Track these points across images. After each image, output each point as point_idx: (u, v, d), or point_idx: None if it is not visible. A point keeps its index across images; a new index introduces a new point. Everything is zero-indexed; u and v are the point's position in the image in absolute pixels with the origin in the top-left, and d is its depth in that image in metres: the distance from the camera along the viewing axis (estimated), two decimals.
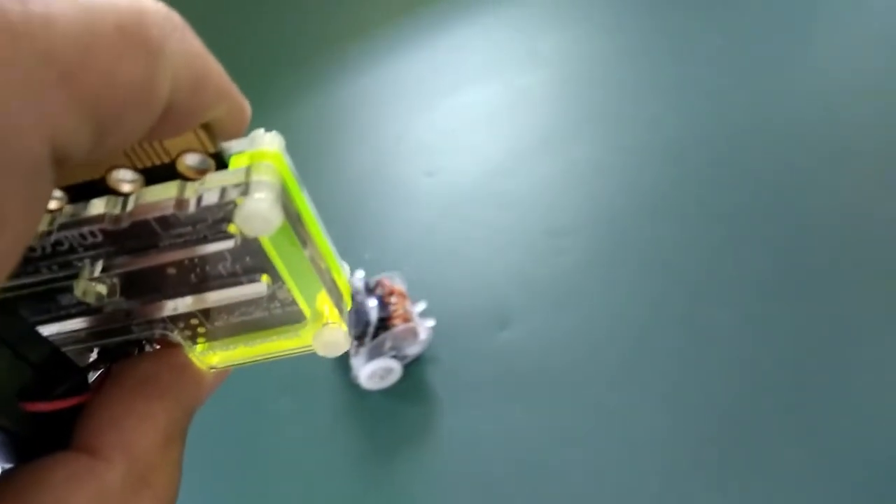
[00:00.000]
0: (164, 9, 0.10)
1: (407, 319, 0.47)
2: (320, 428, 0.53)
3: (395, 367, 0.48)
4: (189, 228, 0.12)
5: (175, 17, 0.10)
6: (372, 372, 0.49)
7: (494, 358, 0.55)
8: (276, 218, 0.12)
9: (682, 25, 0.80)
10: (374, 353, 0.48)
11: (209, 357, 0.14)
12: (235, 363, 0.15)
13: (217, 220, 0.12)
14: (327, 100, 0.82)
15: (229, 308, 0.14)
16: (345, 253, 0.15)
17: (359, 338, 0.48)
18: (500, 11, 0.83)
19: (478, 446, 0.50)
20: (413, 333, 0.48)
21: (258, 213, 0.12)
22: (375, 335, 0.47)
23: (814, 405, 0.50)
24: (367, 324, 0.48)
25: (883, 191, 0.62)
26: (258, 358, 0.15)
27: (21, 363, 0.12)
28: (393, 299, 0.49)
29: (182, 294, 0.13)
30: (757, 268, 0.58)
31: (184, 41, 0.10)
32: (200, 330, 0.14)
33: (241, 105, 0.13)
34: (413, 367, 0.53)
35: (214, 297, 0.14)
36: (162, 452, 0.12)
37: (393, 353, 0.48)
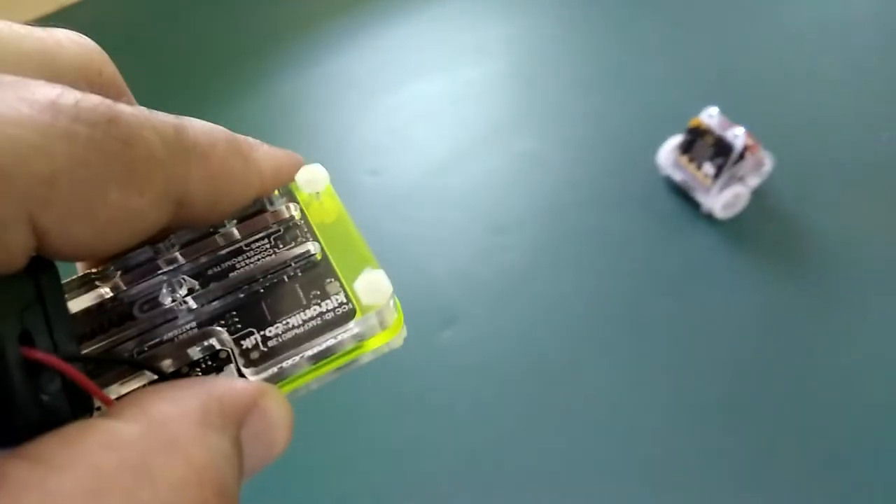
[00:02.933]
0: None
1: (756, 150, 0.62)
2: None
3: (743, 194, 0.64)
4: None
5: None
6: (727, 201, 0.62)
7: (439, 357, 0.57)
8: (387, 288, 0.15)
9: (628, 16, 0.83)
10: (729, 182, 0.62)
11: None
12: (293, 385, 0.15)
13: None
14: (271, 97, 0.78)
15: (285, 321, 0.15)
16: None
17: (719, 167, 0.62)
18: (446, 5, 0.85)
19: (423, 448, 0.53)
20: (759, 163, 0.62)
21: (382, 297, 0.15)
22: (736, 163, 0.61)
23: (755, 396, 0.54)
24: (731, 150, 0.61)
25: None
26: (317, 371, 0.15)
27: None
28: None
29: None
30: (701, 259, 0.62)
31: (263, 149, 0.16)
32: (254, 354, 0.14)
33: (296, 162, 0.17)
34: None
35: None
36: (196, 428, 0.11)
37: (741, 182, 0.64)
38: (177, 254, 0.16)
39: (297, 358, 0.15)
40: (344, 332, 0.15)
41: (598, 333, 0.58)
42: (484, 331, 0.59)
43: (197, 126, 0.14)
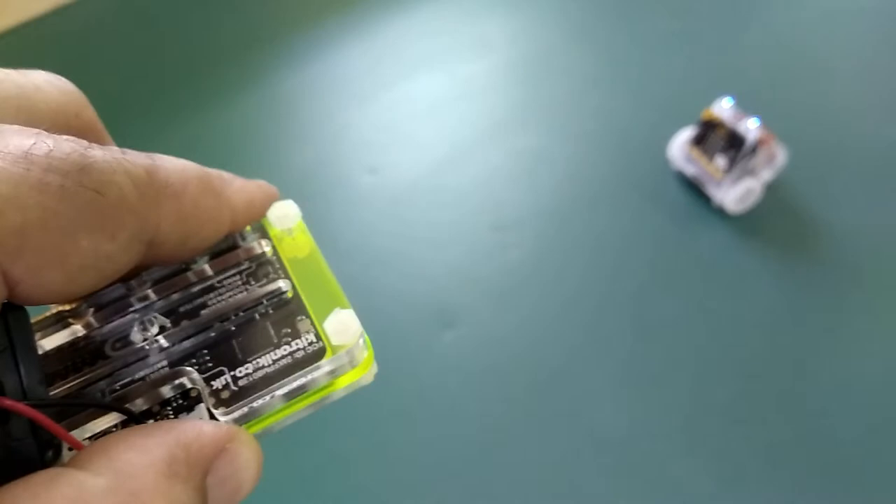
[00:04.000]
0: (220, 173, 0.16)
1: (768, 143, 0.59)
2: None
3: (755, 188, 0.62)
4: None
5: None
6: (739, 195, 0.60)
7: (440, 358, 0.57)
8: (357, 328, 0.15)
9: (632, 10, 0.80)
10: (740, 176, 0.60)
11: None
12: (264, 424, 0.15)
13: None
14: (268, 93, 0.76)
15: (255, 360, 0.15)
16: None
17: (731, 160, 0.60)
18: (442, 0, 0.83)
19: (423, 449, 0.51)
20: (772, 156, 0.60)
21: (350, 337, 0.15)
22: (748, 156, 0.59)
23: (768, 395, 0.52)
24: (743, 143, 0.59)
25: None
26: (288, 410, 0.15)
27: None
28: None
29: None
30: (711, 254, 0.60)
31: (236, 184, 0.16)
32: (224, 394, 0.14)
33: (269, 195, 0.18)
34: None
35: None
36: (161, 479, 0.11)
37: (753, 176, 0.61)
38: (149, 291, 0.16)
39: (267, 398, 0.15)
40: (314, 370, 0.15)
41: (604, 333, 0.56)
42: (486, 331, 0.57)
43: (169, 165, 0.14)
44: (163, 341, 0.15)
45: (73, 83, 0.16)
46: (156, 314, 0.16)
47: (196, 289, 0.16)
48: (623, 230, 0.62)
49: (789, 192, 0.63)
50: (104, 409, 0.14)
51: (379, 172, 0.69)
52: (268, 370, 0.15)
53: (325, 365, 0.15)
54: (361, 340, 0.16)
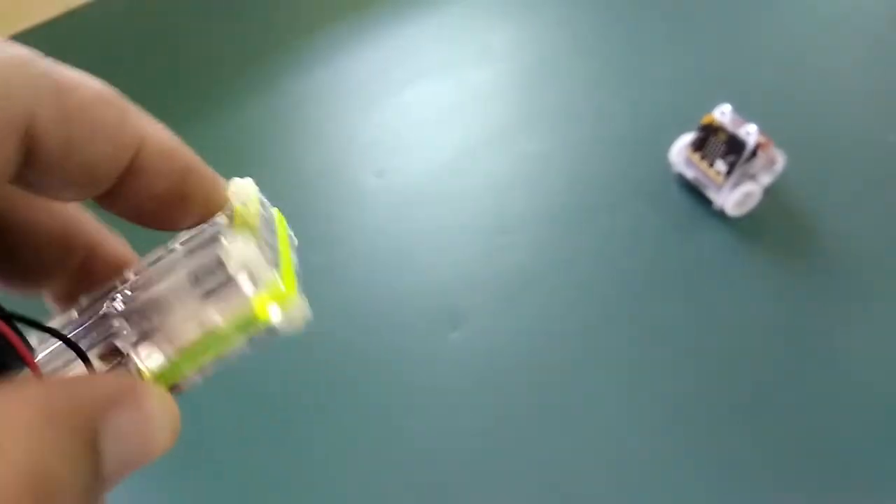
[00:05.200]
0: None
1: (768, 148, 0.60)
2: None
3: (756, 192, 0.63)
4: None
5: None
6: (738, 199, 0.61)
7: (446, 358, 0.56)
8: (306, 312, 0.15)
9: (633, 18, 0.82)
10: (740, 180, 0.61)
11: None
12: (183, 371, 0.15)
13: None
14: (277, 98, 0.78)
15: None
16: None
17: (731, 164, 0.61)
18: (452, 7, 0.85)
19: (429, 448, 0.52)
20: (771, 161, 0.61)
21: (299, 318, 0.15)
22: (748, 160, 0.60)
23: (768, 397, 0.52)
24: (743, 148, 0.60)
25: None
26: (201, 354, 0.15)
27: None
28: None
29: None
30: (712, 257, 0.61)
31: (152, 123, 0.15)
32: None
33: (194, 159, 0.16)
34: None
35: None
36: (26, 428, 0.11)
37: (753, 180, 0.62)
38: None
39: (167, 282, 0.15)
40: (212, 244, 0.15)
41: (607, 334, 0.57)
42: (491, 332, 0.58)
43: (68, 70, 0.14)
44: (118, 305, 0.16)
45: None
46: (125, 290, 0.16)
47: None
48: (625, 233, 0.63)
49: (789, 196, 0.64)
50: (47, 332, 0.15)
51: (386, 175, 0.71)
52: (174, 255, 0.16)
53: (223, 235, 0.15)
54: (267, 253, 0.16)
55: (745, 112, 0.62)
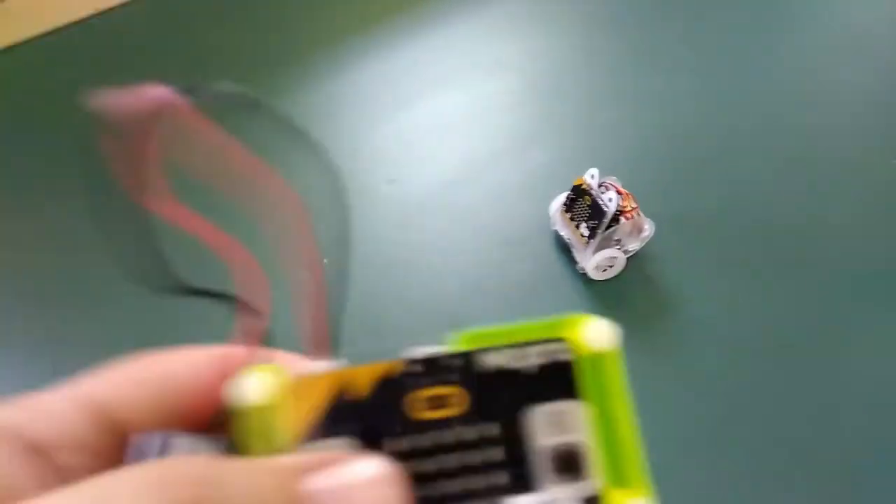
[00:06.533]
0: None
1: (632, 216, 0.62)
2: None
3: (620, 258, 0.64)
4: None
5: None
6: (598, 263, 0.63)
7: None
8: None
9: (644, 35, 0.84)
10: (603, 245, 0.62)
11: None
12: None
13: None
14: (291, 108, 0.79)
15: None
16: None
17: (592, 229, 0.62)
18: (463, 21, 0.87)
19: None
20: (639, 228, 0.62)
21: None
22: (608, 227, 0.61)
23: (774, 403, 0.54)
24: (603, 215, 0.60)
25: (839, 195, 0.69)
26: None
27: None
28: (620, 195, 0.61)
29: None
30: (715, 271, 0.63)
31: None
32: None
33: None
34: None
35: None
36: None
37: (618, 246, 0.64)
38: None
39: None
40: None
41: None
42: None
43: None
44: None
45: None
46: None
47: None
48: None
49: (656, 263, 0.64)
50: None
51: (395, 187, 0.73)
52: None
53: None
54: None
55: (622, 176, 0.63)
